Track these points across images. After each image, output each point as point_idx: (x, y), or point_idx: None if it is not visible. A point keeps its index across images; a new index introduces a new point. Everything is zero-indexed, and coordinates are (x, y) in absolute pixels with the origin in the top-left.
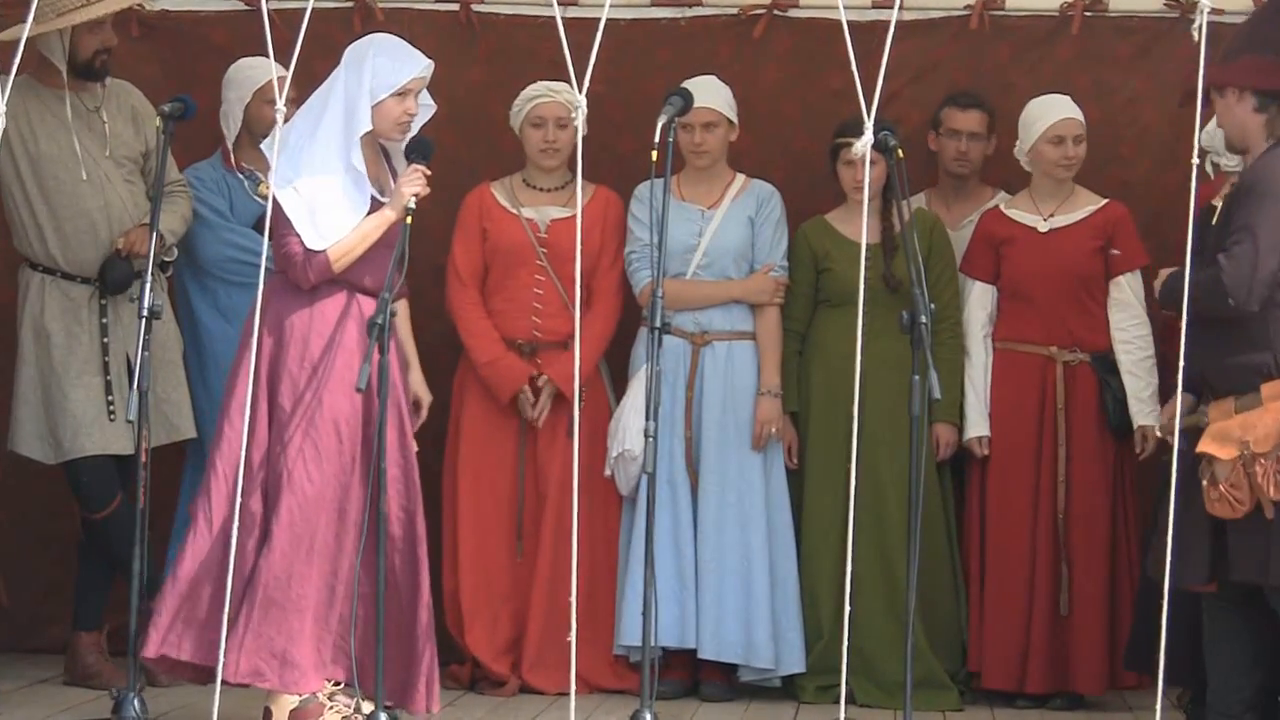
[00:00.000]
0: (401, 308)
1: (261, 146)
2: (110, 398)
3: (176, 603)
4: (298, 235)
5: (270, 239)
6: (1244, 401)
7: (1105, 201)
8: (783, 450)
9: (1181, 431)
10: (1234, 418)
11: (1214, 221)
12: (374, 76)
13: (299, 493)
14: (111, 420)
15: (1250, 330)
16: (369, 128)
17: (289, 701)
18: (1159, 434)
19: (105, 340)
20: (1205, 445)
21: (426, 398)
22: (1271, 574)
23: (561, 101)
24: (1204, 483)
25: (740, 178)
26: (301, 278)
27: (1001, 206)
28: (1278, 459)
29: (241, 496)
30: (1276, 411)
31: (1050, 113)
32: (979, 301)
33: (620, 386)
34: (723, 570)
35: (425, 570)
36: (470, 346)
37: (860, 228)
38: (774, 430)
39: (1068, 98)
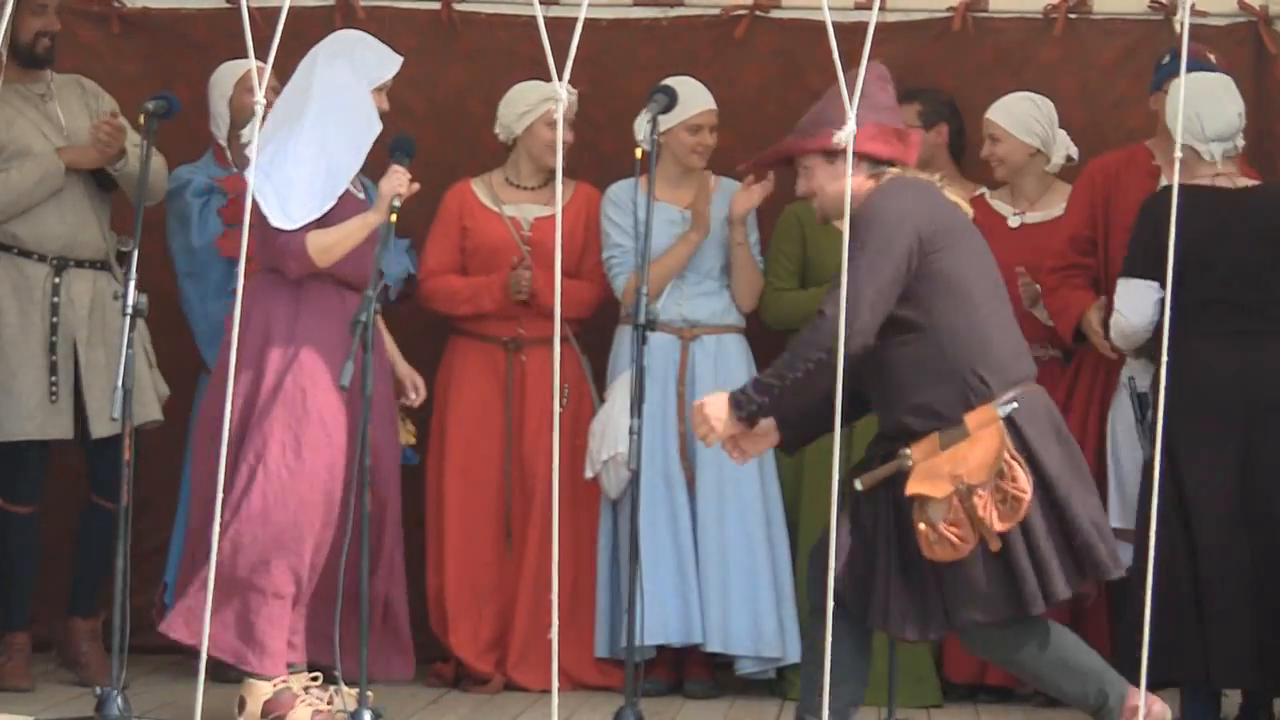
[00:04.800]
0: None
1: (242, 134)
2: (54, 378)
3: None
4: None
5: (254, 234)
6: (949, 436)
7: None
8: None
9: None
10: (941, 454)
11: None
12: (365, 70)
13: (275, 482)
14: (53, 402)
15: (931, 363)
16: (380, 127)
17: (263, 691)
18: (858, 487)
19: (54, 320)
20: (915, 486)
21: (418, 379)
22: (985, 611)
23: (572, 102)
24: (921, 527)
25: (712, 176)
26: (286, 267)
27: (986, 195)
28: (995, 488)
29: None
30: (986, 440)
31: (985, 115)
32: None
33: (604, 389)
34: (727, 563)
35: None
36: (453, 298)
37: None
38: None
39: (1007, 97)
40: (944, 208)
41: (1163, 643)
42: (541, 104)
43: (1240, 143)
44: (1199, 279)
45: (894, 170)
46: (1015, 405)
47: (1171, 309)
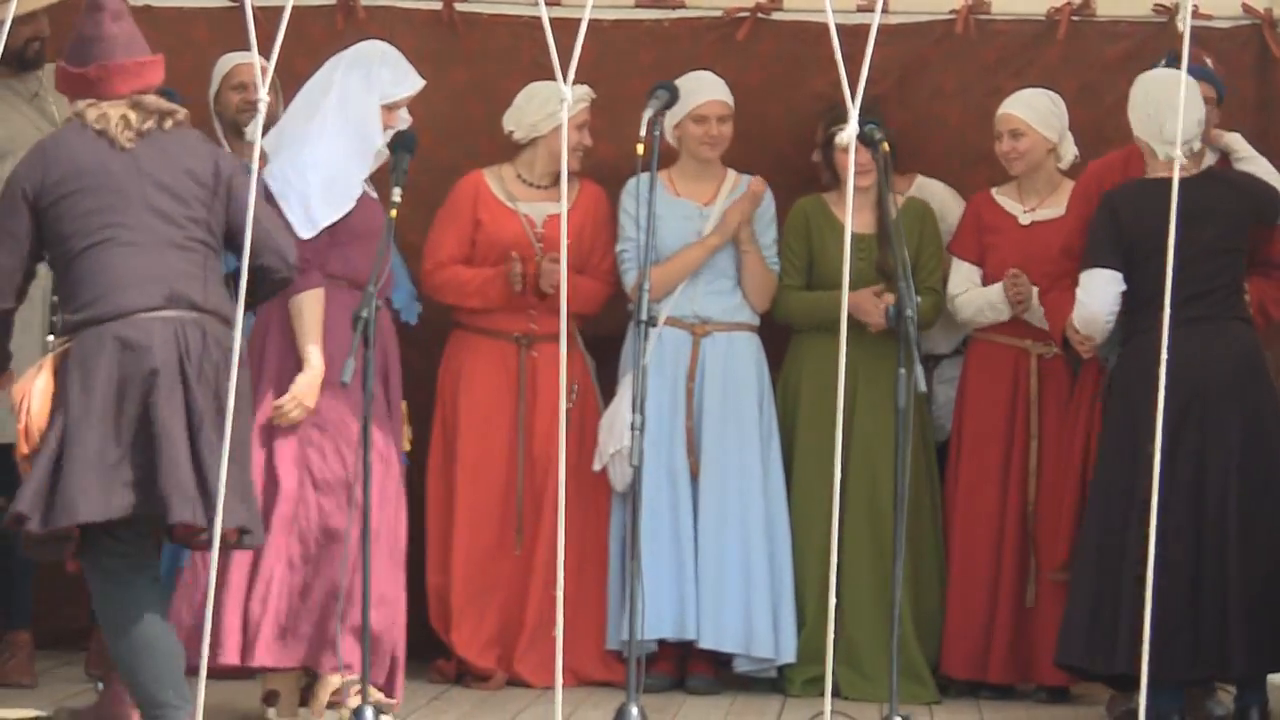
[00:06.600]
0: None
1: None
2: None
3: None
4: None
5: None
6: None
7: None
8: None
9: None
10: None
11: None
12: (379, 86)
13: (329, 493)
14: None
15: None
16: (383, 140)
17: (333, 682)
18: None
19: (53, 319)
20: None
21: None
22: None
23: (585, 104)
24: None
25: (731, 173)
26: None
27: (993, 192)
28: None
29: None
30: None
31: (999, 111)
32: (962, 282)
33: (609, 388)
34: (724, 561)
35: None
36: (462, 289)
37: (859, 216)
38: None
39: (1023, 92)
40: (66, 159)
41: (1097, 639)
42: (580, 104)
43: (1196, 146)
44: (1159, 267)
45: (79, 107)
46: (55, 342)
47: (1170, 306)
